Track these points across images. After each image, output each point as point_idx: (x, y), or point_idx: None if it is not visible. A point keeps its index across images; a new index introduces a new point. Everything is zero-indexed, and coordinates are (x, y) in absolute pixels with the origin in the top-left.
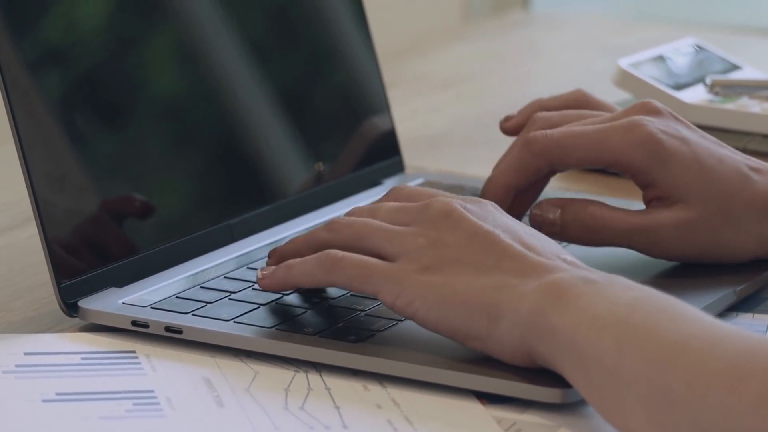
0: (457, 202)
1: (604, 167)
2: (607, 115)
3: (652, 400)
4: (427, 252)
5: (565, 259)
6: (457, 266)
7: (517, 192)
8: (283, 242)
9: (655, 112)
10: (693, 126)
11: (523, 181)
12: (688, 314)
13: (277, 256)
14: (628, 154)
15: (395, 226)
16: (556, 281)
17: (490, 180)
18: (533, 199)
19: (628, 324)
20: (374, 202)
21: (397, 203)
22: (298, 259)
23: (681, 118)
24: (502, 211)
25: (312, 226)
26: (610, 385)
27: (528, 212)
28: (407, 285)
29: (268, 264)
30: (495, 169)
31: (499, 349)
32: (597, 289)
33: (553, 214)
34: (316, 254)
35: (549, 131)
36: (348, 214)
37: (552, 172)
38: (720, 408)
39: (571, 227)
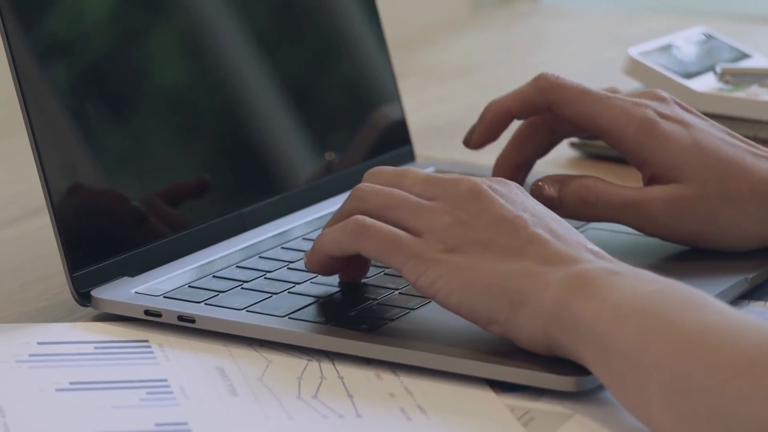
0: (486, 183)
1: (596, 133)
2: (624, 91)
3: (673, 388)
4: (453, 231)
5: (591, 249)
6: (482, 249)
7: (513, 118)
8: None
9: (660, 99)
10: (700, 115)
11: (520, 110)
12: (711, 305)
13: (312, 250)
14: (622, 127)
15: (422, 200)
16: (582, 272)
17: (492, 102)
18: (529, 157)
19: (650, 314)
20: (403, 168)
21: (425, 172)
22: (328, 229)
23: (689, 107)
24: (527, 193)
25: (323, 216)
26: (632, 373)
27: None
28: (431, 265)
29: (306, 258)
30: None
31: (518, 335)
32: (621, 280)
33: (553, 189)
34: (344, 221)
35: (561, 77)
36: (372, 173)
37: (549, 121)
38: (738, 395)
39: (568, 201)
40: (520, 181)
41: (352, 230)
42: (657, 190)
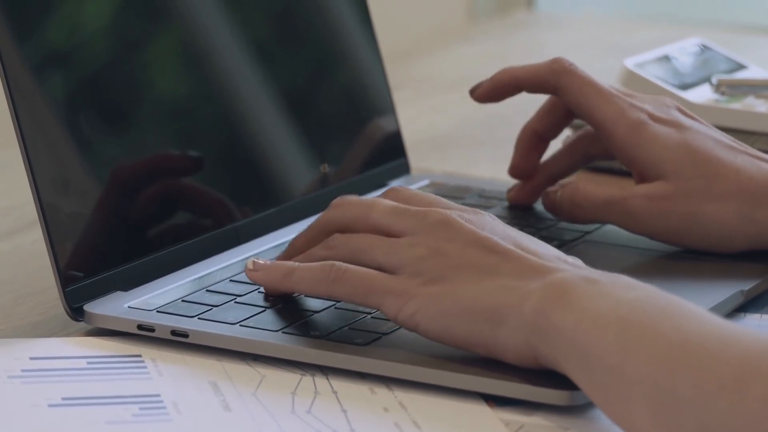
0: (455, 213)
1: (592, 127)
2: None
3: (657, 400)
4: (427, 262)
5: (566, 260)
6: (458, 272)
7: (520, 89)
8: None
9: (661, 104)
10: (702, 121)
11: (528, 83)
12: (693, 313)
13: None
14: (614, 125)
15: (393, 239)
16: (558, 281)
17: (507, 67)
18: (555, 129)
19: (631, 322)
20: (371, 198)
21: (393, 203)
22: (301, 264)
23: (692, 114)
24: (499, 220)
25: None
26: (614, 385)
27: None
28: (408, 298)
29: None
30: None
31: (504, 353)
32: (599, 288)
33: (556, 194)
34: (320, 263)
35: (577, 66)
36: (338, 205)
37: (556, 108)
38: (726, 409)
39: (564, 204)
40: (541, 152)
41: (329, 275)
42: (639, 188)
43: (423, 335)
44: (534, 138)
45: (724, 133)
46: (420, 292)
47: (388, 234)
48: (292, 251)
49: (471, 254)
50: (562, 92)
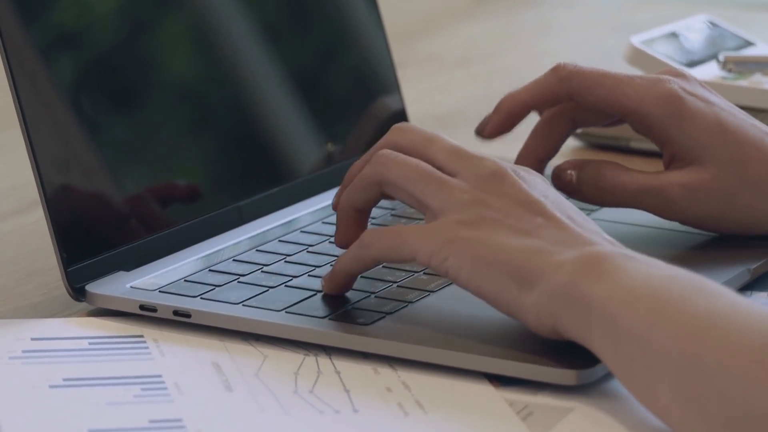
0: (511, 167)
1: (622, 115)
2: (640, 73)
3: (681, 371)
4: (470, 209)
5: (607, 238)
6: (496, 225)
7: (531, 110)
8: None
9: (683, 76)
10: (719, 96)
11: (540, 102)
12: (723, 293)
13: (334, 203)
14: (647, 105)
15: (445, 176)
16: (595, 253)
17: (509, 94)
18: (555, 145)
19: (662, 298)
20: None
21: (454, 142)
22: (343, 252)
23: (707, 87)
24: (550, 184)
25: (323, 208)
26: (640, 356)
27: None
28: (442, 240)
29: (334, 206)
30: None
31: (525, 315)
32: (635, 264)
33: (572, 174)
34: (356, 241)
35: (579, 65)
36: (401, 129)
37: (573, 119)
38: (747, 381)
39: (585, 187)
40: (542, 172)
41: (362, 244)
42: (675, 175)
43: (451, 279)
44: (537, 162)
45: (738, 108)
46: (453, 234)
47: (442, 170)
48: (349, 178)
49: (516, 212)
50: (579, 95)
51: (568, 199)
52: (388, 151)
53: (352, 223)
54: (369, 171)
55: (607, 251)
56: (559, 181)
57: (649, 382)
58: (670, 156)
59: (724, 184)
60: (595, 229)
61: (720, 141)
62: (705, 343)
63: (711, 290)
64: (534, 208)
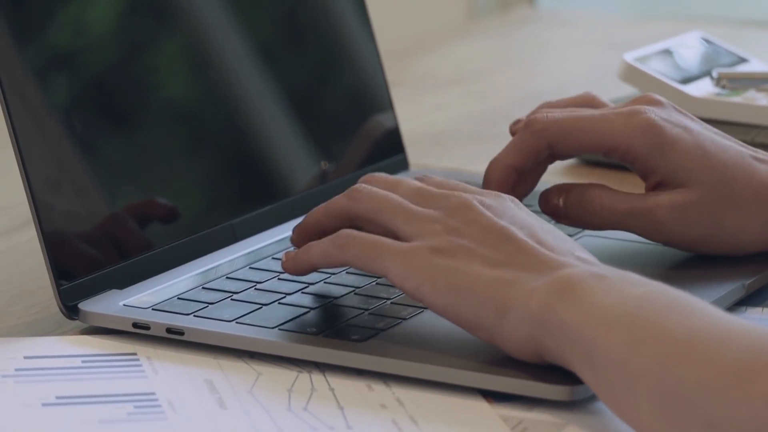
0: (477, 198)
1: (604, 153)
2: (611, 105)
3: (662, 395)
4: (442, 237)
5: (579, 256)
6: (470, 255)
7: (519, 173)
8: (285, 242)
9: (657, 103)
10: (696, 118)
11: (523, 162)
12: (700, 309)
13: (299, 230)
14: (628, 139)
15: (415, 207)
16: (566, 276)
17: (492, 161)
18: (533, 183)
19: (638, 318)
20: (398, 177)
21: (418, 183)
22: (316, 241)
23: (683, 110)
24: (521, 205)
25: None
26: (620, 379)
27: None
28: (417, 266)
29: (292, 239)
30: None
31: (505, 342)
32: (607, 284)
33: (558, 199)
34: (332, 236)
35: (551, 113)
36: (365, 179)
37: (552, 156)
38: (729, 403)
39: (572, 211)
40: (515, 183)
41: (337, 242)
42: (663, 197)
43: (427, 306)
44: (506, 169)
45: (716, 130)
46: (429, 262)
47: None
48: (306, 224)
49: (486, 241)
50: (558, 145)
51: (549, 221)
52: (362, 185)
53: (313, 236)
54: (342, 203)
55: (577, 273)
56: (546, 206)
57: (631, 404)
58: (655, 184)
59: (712, 204)
60: (567, 248)
61: (703, 164)
62: (684, 364)
63: (686, 307)
64: (502, 235)
